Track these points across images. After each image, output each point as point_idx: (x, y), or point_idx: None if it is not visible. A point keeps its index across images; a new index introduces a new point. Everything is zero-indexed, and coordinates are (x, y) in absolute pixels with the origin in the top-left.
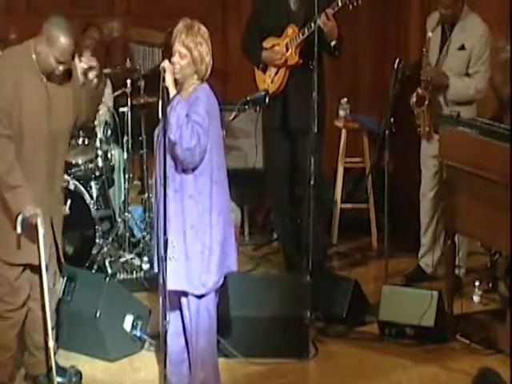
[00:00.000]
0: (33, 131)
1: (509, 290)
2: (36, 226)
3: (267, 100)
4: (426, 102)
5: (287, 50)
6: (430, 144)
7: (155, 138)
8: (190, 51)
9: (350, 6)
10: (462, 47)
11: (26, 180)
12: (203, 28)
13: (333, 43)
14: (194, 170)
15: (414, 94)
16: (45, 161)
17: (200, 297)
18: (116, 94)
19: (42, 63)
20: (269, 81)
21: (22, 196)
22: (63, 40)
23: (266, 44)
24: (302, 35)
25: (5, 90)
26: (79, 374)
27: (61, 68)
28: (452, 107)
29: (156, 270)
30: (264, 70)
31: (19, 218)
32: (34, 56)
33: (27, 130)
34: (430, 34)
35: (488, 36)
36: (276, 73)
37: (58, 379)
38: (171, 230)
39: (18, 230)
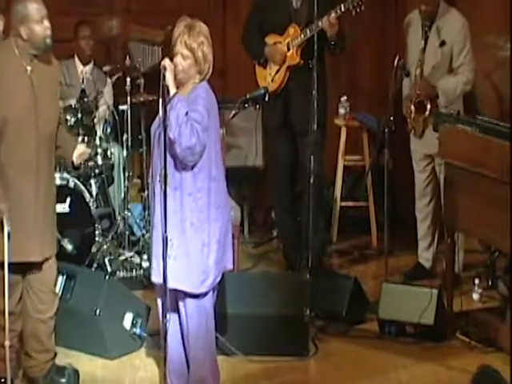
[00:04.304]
0: (20, 123)
1: (508, 288)
2: (2, 223)
3: (267, 97)
4: (428, 110)
5: (288, 49)
6: (422, 145)
7: (152, 134)
8: (193, 52)
9: (353, 12)
10: (443, 43)
11: (17, 179)
12: (204, 26)
13: (332, 42)
14: (192, 167)
15: (412, 102)
16: (33, 153)
17: (198, 295)
18: (113, 79)
19: (34, 42)
20: (269, 79)
21: None
22: (30, 3)
23: (268, 40)
24: (304, 36)
25: None
26: (76, 373)
27: (47, 24)
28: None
29: (153, 268)
30: (264, 66)
31: None
32: (16, 50)
33: (14, 124)
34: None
35: (467, 28)
36: (277, 71)
37: (56, 379)
38: (170, 228)
39: None
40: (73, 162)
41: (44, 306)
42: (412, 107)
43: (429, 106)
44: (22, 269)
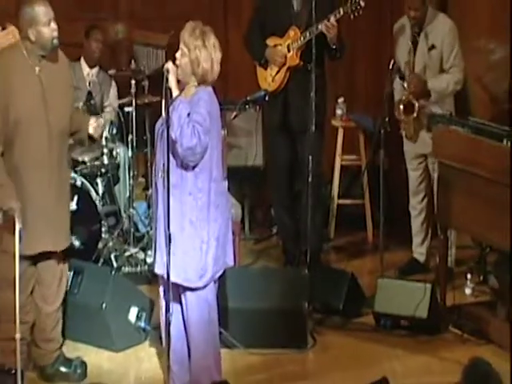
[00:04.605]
0: (32, 123)
1: (499, 284)
2: (13, 220)
3: (267, 98)
4: (416, 109)
5: (289, 51)
6: (414, 144)
7: (156, 132)
8: (189, 52)
9: (352, 16)
10: (433, 46)
11: (29, 176)
12: (209, 34)
13: (333, 46)
14: (194, 167)
15: (401, 103)
16: (45, 151)
17: (197, 289)
18: (122, 101)
19: (42, 43)
20: (270, 79)
21: (4, 193)
22: (38, 7)
23: (269, 42)
24: (304, 39)
25: None
26: (84, 364)
27: (53, 26)
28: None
29: (156, 260)
30: (265, 67)
31: (0, 212)
32: (24, 52)
33: (26, 124)
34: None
35: (455, 30)
36: (277, 72)
37: (63, 369)
38: (170, 224)
39: None
40: (91, 137)
41: (51, 298)
42: (401, 106)
43: (416, 105)
44: (36, 260)
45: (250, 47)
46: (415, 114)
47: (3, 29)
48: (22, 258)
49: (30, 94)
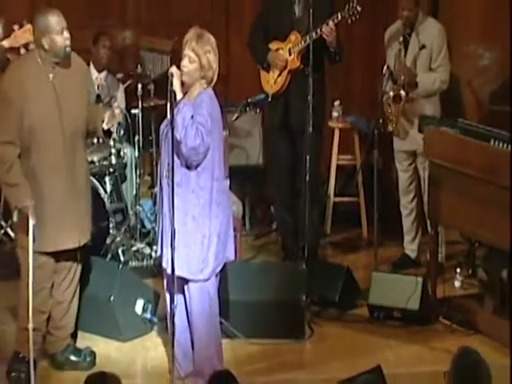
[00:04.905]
0: (47, 128)
1: (488, 277)
2: (27, 217)
3: (269, 99)
4: (403, 101)
5: (290, 54)
6: (404, 142)
7: (160, 133)
8: (198, 57)
9: (349, 20)
10: (423, 47)
11: (46, 178)
12: (212, 37)
13: (332, 50)
14: (197, 166)
15: (391, 90)
16: (60, 153)
17: (199, 282)
18: (125, 85)
19: (55, 51)
20: (272, 81)
21: (19, 192)
22: (51, 16)
23: (271, 46)
24: (304, 43)
25: (11, 100)
26: (93, 354)
27: (66, 34)
28: (419, 100)
29: (159, 251)
30: (268, 70)
31: (16, 210)
32: (39, 60)
33: (41, 129)
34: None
35: (444, 33)
36: (279, 75)
37: (73, 358)
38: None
39: (14, 219)
40: (104, 130)
41: (64, 289)
42: (391, 93)
43: (404, 93)
44: (57, 257)
45: (253, 51)
46: (402, 103)
47: (20, 27)
48: (40, 253)
49: (44, 101)
